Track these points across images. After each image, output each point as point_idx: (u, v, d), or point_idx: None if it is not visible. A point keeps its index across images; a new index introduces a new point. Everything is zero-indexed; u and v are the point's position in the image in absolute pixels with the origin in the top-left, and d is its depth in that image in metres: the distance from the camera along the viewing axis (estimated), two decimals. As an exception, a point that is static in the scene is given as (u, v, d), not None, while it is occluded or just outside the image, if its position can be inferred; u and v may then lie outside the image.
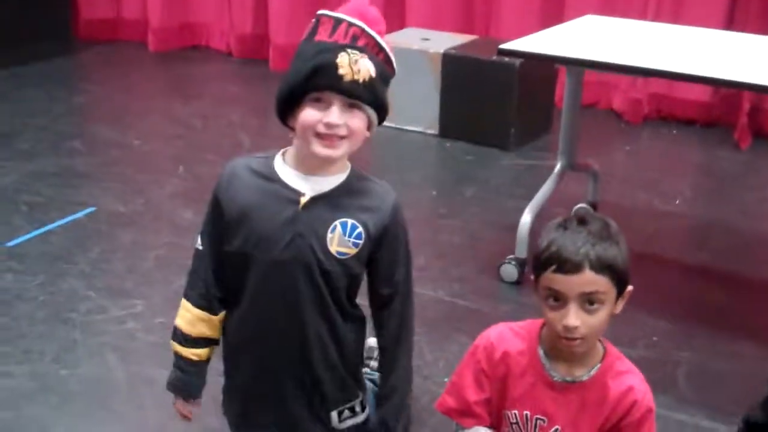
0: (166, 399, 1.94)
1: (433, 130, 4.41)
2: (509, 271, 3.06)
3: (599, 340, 1.78)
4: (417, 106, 4.40)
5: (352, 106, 1.65)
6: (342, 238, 1.73)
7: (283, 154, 1.76)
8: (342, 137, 1.65)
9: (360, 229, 1.74)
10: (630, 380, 1.75)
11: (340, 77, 1.61)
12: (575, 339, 1.64)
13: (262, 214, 1.72)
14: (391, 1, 5.05)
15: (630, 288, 1.72)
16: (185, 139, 4.34)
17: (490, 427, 1.83)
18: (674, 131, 4.42)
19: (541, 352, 1.76)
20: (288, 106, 1.68)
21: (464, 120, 4.31)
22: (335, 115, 1.63)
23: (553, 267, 1.63)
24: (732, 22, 4.25)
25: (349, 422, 1.89)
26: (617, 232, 1.69)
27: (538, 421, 1.79)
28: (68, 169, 3.97)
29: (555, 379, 1.75)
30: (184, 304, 1.84)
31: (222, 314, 1.83)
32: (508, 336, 1.80)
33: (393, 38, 4.60)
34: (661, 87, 4.46)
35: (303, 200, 1.72)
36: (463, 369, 1.84)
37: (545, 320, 1.70)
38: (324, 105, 1.64)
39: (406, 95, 4.41)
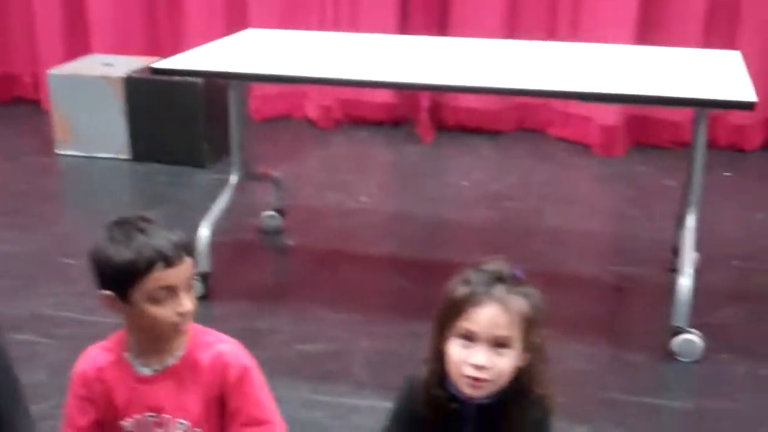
0: None
1: (126, 155, 4.30)
2: (194, 286, 3.02)
3: None
4: (105, 133, 4.29)
5: None
6: None
7: None
8: None
9: None
10: (218, 348, 1.81)
11: None
12: (185, 324, 1.75)
13: None
14: (72, 29, 4.88)
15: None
16: None
17: None
18: (364, 133, 4.58)
19: (127, 355, 1.80)
20: None
21: (156, 142, 4.24)
22: None
23: (164, 264, 1.69)
24: (405, 26, 4.48)
25: None
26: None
27: (150, 419, 1.81)
28: None
29: (146, 374, 1.79)
30: None
31: None
32: (96, 354, 1.84)
33: (73, 66, 4.46)
34: (350, 93, 4.62)
35: None
36: (68, 401, 1.85)
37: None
38: None
39: (92, 122, 4.30)
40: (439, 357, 1.72)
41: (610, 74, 2.80)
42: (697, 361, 2.66)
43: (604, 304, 3.06)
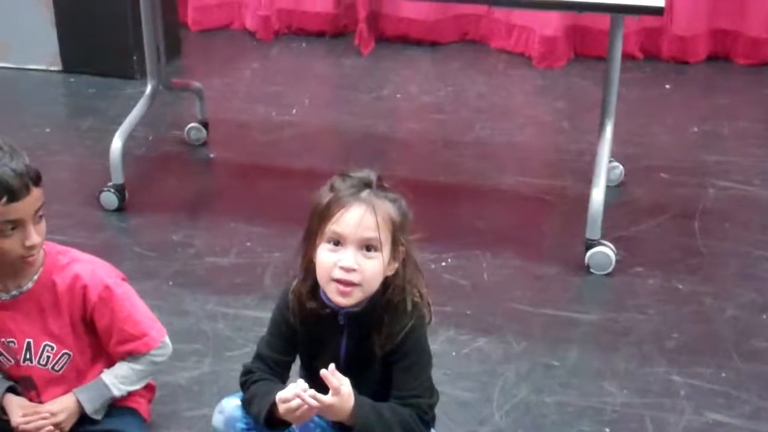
0: None
1: (57, 66, 4.19)
2: (109, 198, 2.98)
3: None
4: (35, 43, 4.16)
5: None
6: None
7: None
8: None
9: None
10: (74, 269, 1.79)
11: None
12: (34, 255, 1.72)
13: None
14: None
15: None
16: None
17: None
18: (303, 44, 4.48)
19: None
20: None
21: (86, 52, 4.13)
22: None
23: (6, 199, 1.65)
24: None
25: None
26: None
27: (10, 344, 1.80)
28: None
29: (3, 299, 1.77)
30: None
31: None
32: None
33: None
34: (288, 2, 4.50)
35: None
36: None
37: None
38: None
39: (21, 33, 4.16)
40: (310, 267, 1.70)
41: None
42: (609, 274, 2.65)
43: (522, 216, 3.04)
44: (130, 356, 1.84)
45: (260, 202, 3.05)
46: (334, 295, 1.66)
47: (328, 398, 1.58)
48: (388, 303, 1.69)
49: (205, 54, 4.37)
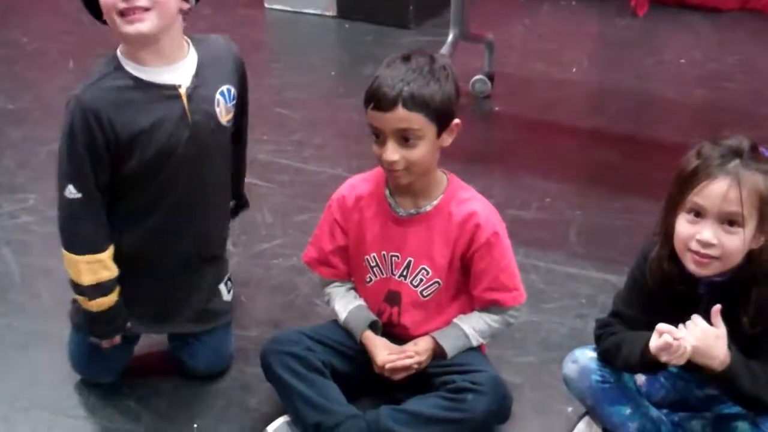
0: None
1: (332, 12, 4.32)
2: (405, 144, 3.05)
3: (443, 173, 1.83)
4: (313, -12, 4.32)
5: None
6: (226, 107, 1.82)
7: (121, 62, 1.77)
8: (146, 9, 1.65)
9: (234, 90, 1.83)
10: (473, 206, 1.80)
11: None
12: (397, 171, 1.71)
13: (153, 122, 1.74)
14: None
15: (456, 121, 1.76)
16: (74, 35, 4.15)
17: (347, 276, 1.92)
18: (573, 3, 4.40)
19: (386, 192, 1.82)
20: None
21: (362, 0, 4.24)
22: None
23: (372, 104, 1.69)
24: None
25: (232, 293, 2.03)
26: (442, 68, 1.71)
27: (393, 258, 1.84)
28: (-48, 69, 3.80)
29: (400, 214, 1.81)
30: (74, 258, 1.79)
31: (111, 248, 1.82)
32: (358, 183, 1.88)
33: None
34: (560, -41, 4.44)
35: (183, 91, 1.75)
36: (320, 222, 1.92)
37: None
38: None
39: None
40: (670, 233, 1.66)
41: None
42: None
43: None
44: (492, 307, 1.85)
45: (552, 159, 3.04)
46: (691, 264, 1.61)
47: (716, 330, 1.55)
48: (754, 276, 1.62)
49: (472, 8, 4.37)
